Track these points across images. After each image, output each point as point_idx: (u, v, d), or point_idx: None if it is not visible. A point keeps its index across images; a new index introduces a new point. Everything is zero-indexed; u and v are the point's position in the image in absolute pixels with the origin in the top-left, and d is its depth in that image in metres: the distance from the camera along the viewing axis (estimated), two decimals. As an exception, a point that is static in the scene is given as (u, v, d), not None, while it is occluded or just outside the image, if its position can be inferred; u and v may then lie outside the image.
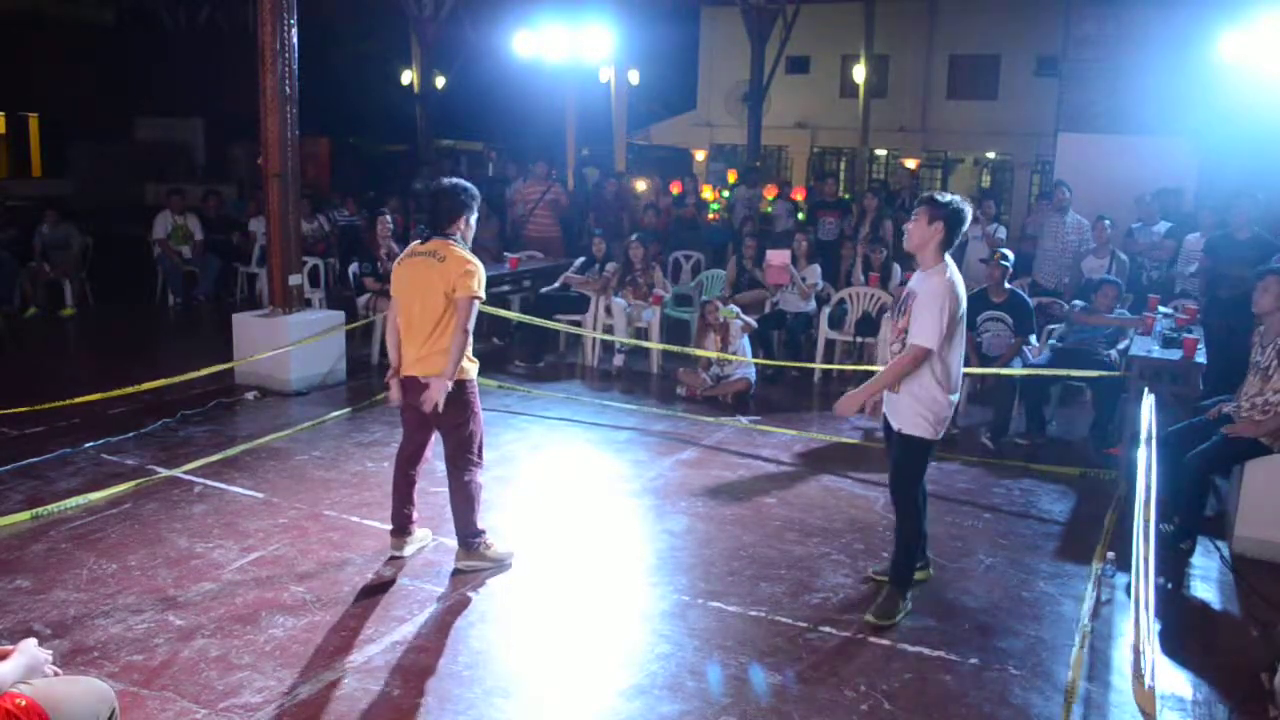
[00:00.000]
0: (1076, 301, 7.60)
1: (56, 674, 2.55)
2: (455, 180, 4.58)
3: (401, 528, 4.68)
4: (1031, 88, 23.82)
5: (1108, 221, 8.71)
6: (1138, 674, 2.87)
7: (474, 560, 4.59)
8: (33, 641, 2.51)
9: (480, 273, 4.43)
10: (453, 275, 4.36)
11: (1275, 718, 3.56)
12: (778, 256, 8.72)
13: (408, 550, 4.69)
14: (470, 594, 4.32)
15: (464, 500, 4.56)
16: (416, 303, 4.43)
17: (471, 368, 4.55)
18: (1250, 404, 5.06)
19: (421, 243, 4.52)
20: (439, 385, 4.34)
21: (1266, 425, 4.91)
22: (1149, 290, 8.22)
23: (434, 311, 4.40)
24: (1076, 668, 3.80)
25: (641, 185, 14.82)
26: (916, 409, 4.12)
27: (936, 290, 3.98)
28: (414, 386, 4.48)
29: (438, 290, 4.38)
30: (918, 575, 4.46)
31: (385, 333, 4.87)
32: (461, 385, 4.49)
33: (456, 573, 4.54)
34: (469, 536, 4.60)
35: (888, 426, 4.39)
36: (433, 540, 4.86)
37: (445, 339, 4.40)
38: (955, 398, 4.19)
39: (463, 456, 4.55)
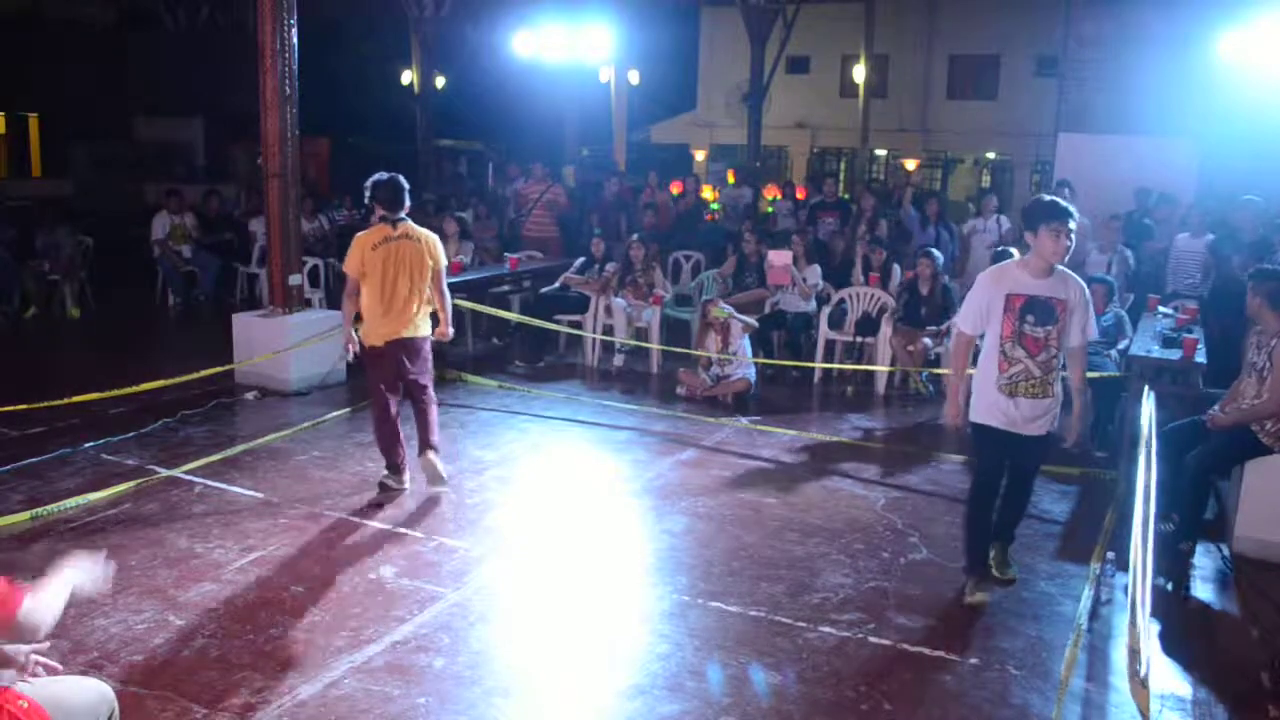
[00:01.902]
0: None
1: (56, 669, 2.55)
2: (394, 174, 5.41)
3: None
4: (1031, 87, 23.84)
5: (1118, 222, 8.69)
6: (1134, 674, 2.87)
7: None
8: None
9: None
10: (432, 250, 5.37)
11: (1275, 718, 3.56)
12: (779, 257, 8.72)
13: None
14: (470, 594, 4.32)
15: (436, 415, 5.56)
16: (403, 278, 5.27)
17: None
18: (1249, 405, 5.06)
19: (392, 227, 5.30)
20: (450, 332, 5.64)
21: (1235, 417, 4.97)
22: (1148, 290, 8.21)
23: (421, 282, 5.35)
24: (1069, 666, 3.80)
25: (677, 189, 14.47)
26: (1059, 405, 4.38)
27: (1087, 292, 4.31)
28: (402, 348, 5.35)
29: (425, 265, 5.34)
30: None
31: (342, 306, 5.47)
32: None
33: (430, 471, 5.43)
34: (435, 440, 5.50)
35: (1004, 438, 4.33)
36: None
37: (425, 303, 5.40)
38: None
39: (432, 386, 5.59)
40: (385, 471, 5.51)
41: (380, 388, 5.40)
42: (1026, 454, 4.43)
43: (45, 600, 2.31)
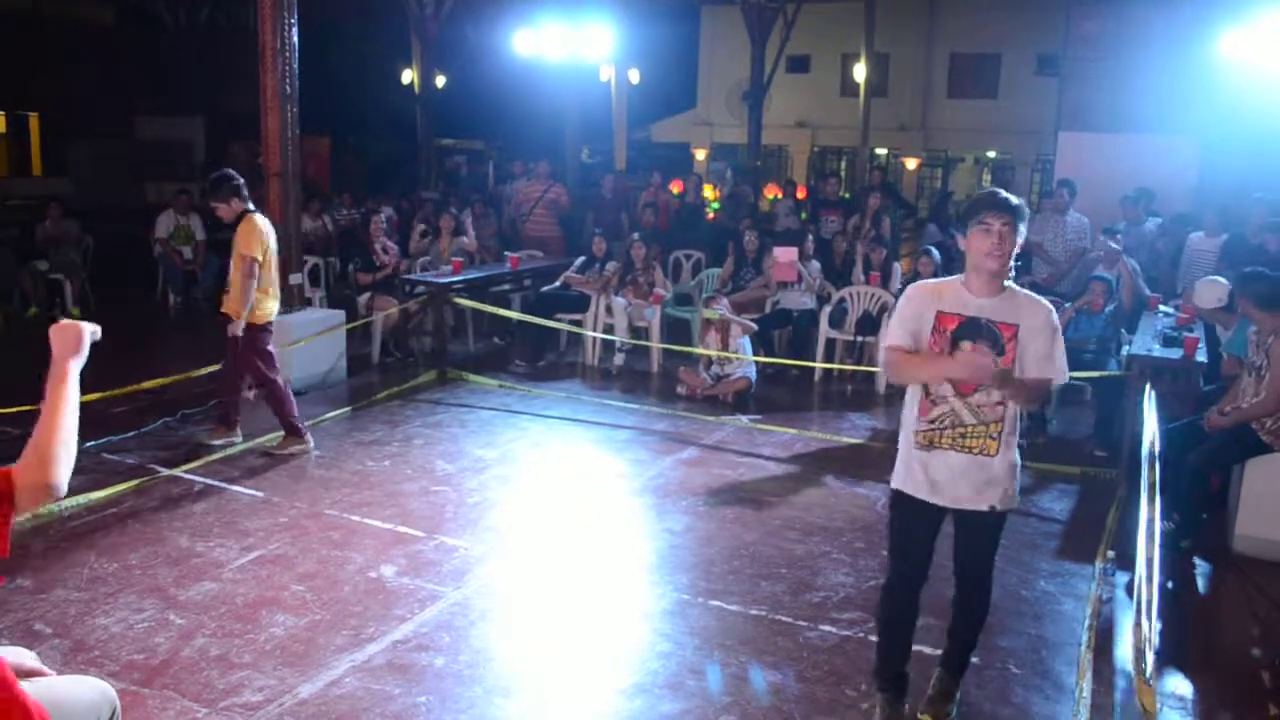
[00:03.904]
0: (1065, 304, 7.57)
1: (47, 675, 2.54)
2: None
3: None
4: (1032, 86, 23.84)
5: (1119, 234, 8.67)
6: (1139, 672, 2.87)
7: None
8: None
9: None
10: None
11: (1275, 717, 3.56)
12: (785, 254, 8.72)
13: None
14: (471, 593, 4.33)
15: None
16: (274, 259, 6.07)
17: None
18: (1248, 403, 5.06)
19: (259, 215, 6.02)
20: None
21: (1234, 417, 4.98)
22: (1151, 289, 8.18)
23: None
24: (1082, 673, 3.80)
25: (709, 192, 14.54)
26: (1012, 474, 3.27)
27: (1054, 318, 3.20)
28: (274, 322, 6.17)
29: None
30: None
31: (245, 289, 5.95)
32: None
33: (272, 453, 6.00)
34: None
35: (924, 513, 3.29)
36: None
37: None
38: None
39: None
40: (216, 428, 6.16)
41: (256, 361, 6.00)
42: (968, 539, 3.34)
43: (36, 448, 2.08)
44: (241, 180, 6.01)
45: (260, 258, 5.91)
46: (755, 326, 8.07)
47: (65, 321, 2.29)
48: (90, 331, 2.31)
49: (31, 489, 2.00)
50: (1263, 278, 5.08)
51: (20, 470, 2.01)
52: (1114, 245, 7.61)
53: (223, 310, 6.14)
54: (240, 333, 5.96)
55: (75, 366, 2.26)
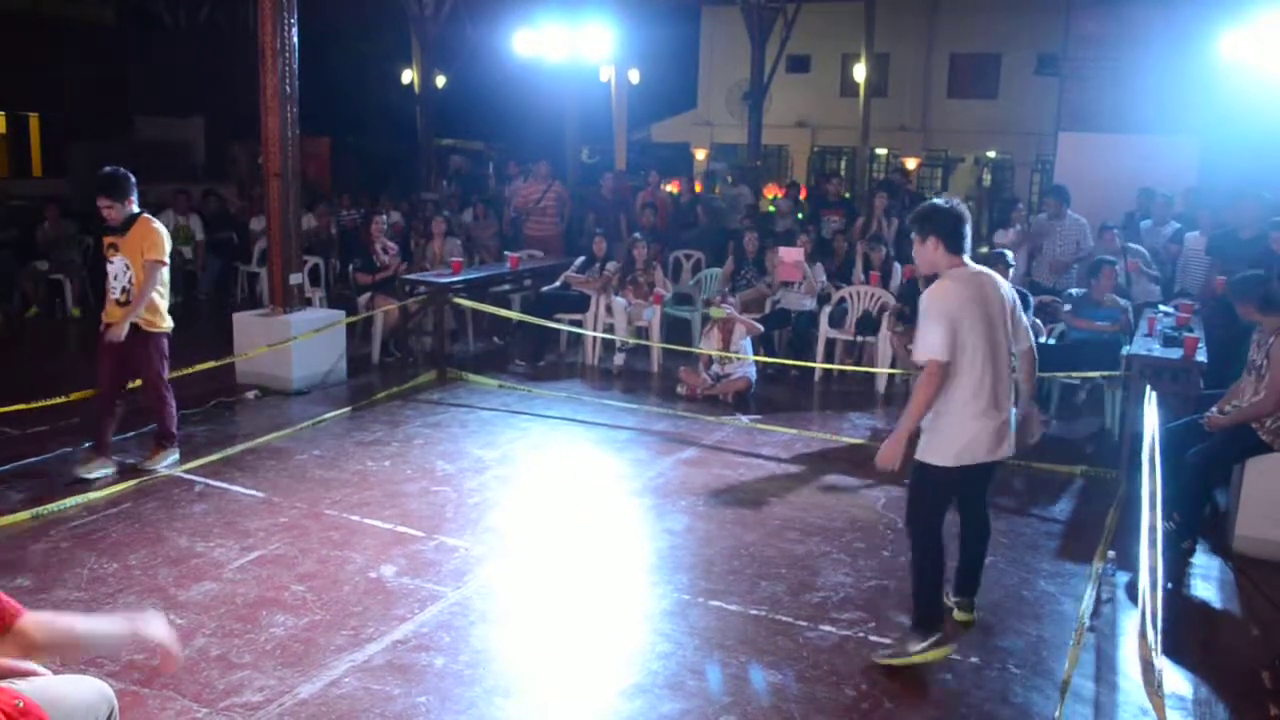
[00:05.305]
0: (1072, 290, 7.58)
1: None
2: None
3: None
4: (1032, 86, 23.82)
5: (1115, 231, 8.66)
6: (1148, 681, 2.87)
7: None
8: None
9: None
10: None
11: (1276, 716, 3.56)
12: (790, 254, 8.71)
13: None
14: (470, 593, 4.32)
15: None
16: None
17: None
18: (1248, 403, 5.06)
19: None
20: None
21: (1235, 417, 4.98)
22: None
23: None
24: (1072, 665, 3.80)
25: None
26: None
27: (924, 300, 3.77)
28: None
29: None
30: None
31: (147, 294, 5.56)
32: None
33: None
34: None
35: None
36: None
37: None
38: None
39: None
40: (167, 446, 5.77)
41: (159, 370, 5.70)
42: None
43: (53, 622, 2.22)
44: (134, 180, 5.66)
45: (167, 261, 5.60)
46: (761, 328, 8.06)
47: (163, 625, 2.42)
48: (170, 642, 2.44)
49: (21, 642, 2.16)
50: (1262, 280, 5.08)
51: (28, 622, 2.15)
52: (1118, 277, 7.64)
53: (115, 322, 5.61)
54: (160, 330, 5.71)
55: (128, 631, 2.40)
